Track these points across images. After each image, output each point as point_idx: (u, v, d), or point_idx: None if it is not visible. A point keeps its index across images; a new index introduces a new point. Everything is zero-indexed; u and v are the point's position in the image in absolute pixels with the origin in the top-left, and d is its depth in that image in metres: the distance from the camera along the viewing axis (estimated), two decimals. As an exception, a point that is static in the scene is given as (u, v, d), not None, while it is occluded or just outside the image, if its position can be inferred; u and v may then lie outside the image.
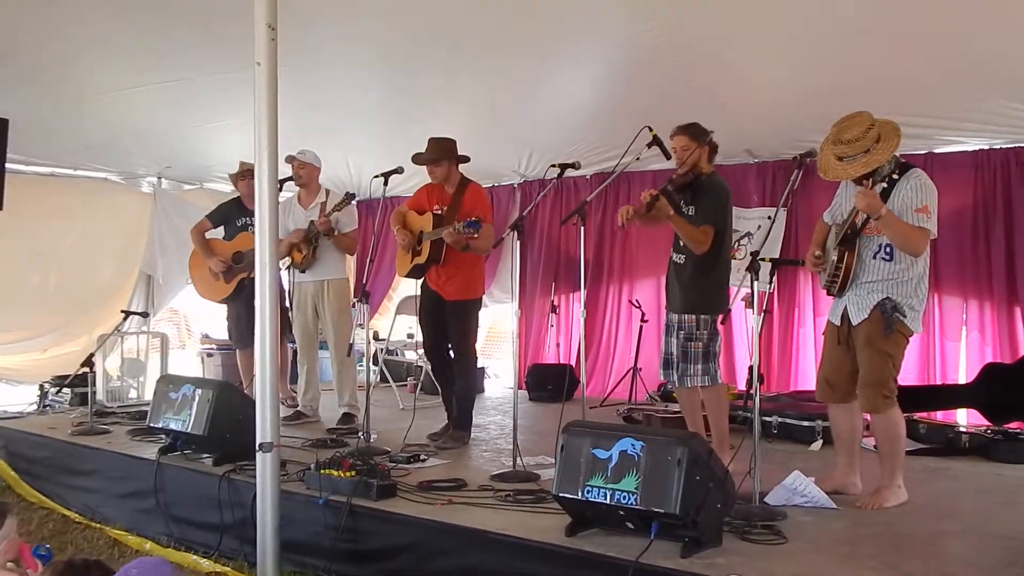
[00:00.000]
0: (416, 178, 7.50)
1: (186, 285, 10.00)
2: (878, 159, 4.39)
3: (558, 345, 9.41)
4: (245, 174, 7.39)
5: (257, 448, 4.32)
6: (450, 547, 4.13)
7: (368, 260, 6.53)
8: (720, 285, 5.36)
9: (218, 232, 7.76)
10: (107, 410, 7.76)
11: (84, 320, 9.04)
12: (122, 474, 5.88)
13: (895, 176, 4.43)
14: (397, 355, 9.65)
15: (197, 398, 5.55)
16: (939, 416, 6.89)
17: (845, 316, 4.60)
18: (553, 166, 5.43)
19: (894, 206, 4.39)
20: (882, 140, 4.41)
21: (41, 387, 8.30)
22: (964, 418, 6.97)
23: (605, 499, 3.69)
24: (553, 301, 9.22)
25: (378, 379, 9.05)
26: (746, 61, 6.45)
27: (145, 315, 8.72)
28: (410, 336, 8.94)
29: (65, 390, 8.03)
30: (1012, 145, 7.13)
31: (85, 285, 9.15)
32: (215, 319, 10.71)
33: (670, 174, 5.40)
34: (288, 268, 7.05)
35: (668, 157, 5.26)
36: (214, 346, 9.76)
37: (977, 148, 7.32)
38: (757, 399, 4.34)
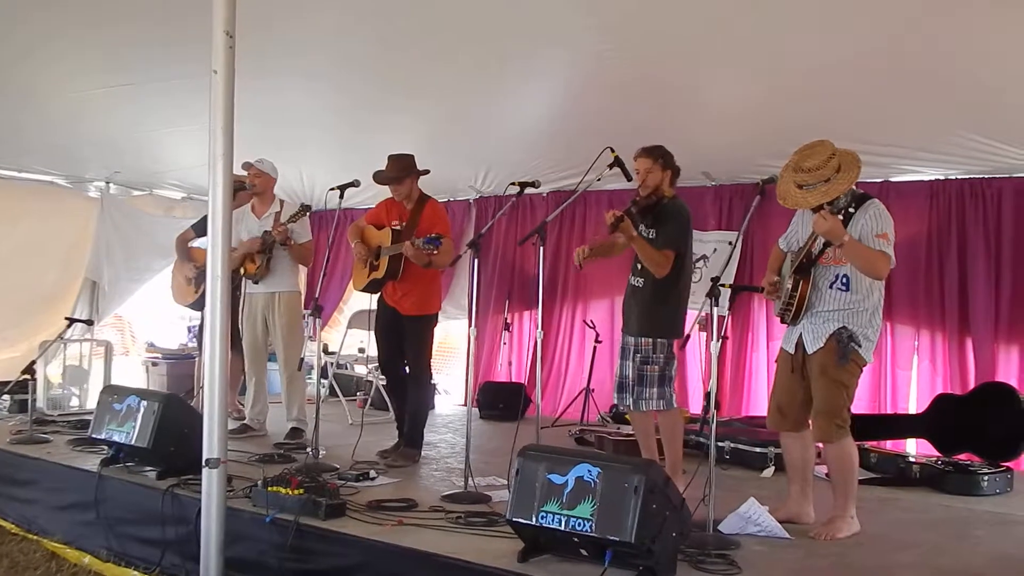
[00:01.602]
0: (372, 190, 7.41)
1: (133, 292, 9.89)
2: (838, 189, 4.39)
3: (510, 363, 9.36)
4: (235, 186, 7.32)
5: (203, 464, 4.21)
6: (401, 569, 4.05)
7: (322, 273, 6.44)
8: (678, 309, 5.33)
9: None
10: (48, 418, 7.56)
11: (26, 326, 8.79)
12: (62, 485, 5.72)
13: (851, 209, 4.42)
14: (347, 369, 9.52)
15: (142, 410, 5.41)
16: (888, 445, 6.92)
17: (800, 344, 4.59)
18: (513, 184, 5.41)
19: (854, 233, 4.38)
20: (842, 170, 4.40)
21: (-21, 394, 8.08)
22: (914, 447, 7.01)
23: (560, 525, 3.64)
24: (507, 319, 9.15)
25: (328, 393, 8.92)
26: (706, 84, 6.47)
27: (89, 323, 8.53)
28: (361, 351, 8.83)
29: (4, 397, 7.82)
30: (967, 176, 7.18)
31: (28, 290, 8.89)
32: (161, 327, 10.57)
33: (628, 195, 5.38)
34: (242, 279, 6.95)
35: (629, 178, 5.25)
36: (159, 355, 9.57)
37: (933, 178, 7.38)
38: (714, 426, 4.31)
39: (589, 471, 3.64)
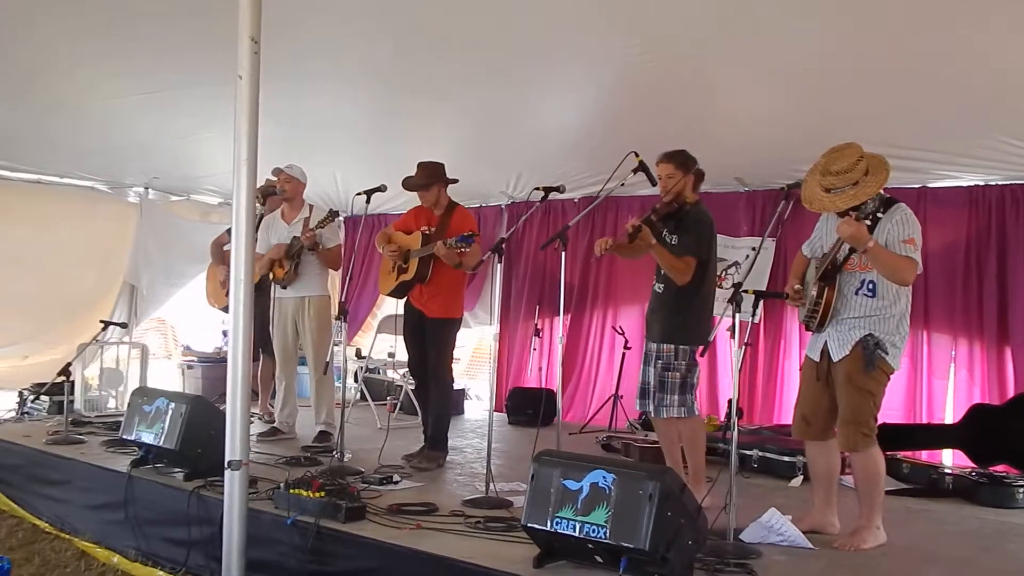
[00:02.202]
0: (402, 196, 7.48)
1: (171, 296, 10.01)
2: (867, 192, 4.32)
3: (540, 369, 9.33)
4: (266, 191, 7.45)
5: (226, 466, 4.25)
6: (415, 573, 4.05)
7: (347, 278, 6.48)
8: (701, 316, 5.27)
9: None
10: (84, 419, 7.66)
11: (66, 328, 8.95)
12: (93, 485, 5.80)
13: (879, 214, 4.35)
14: (378, 373, 9.55)
15: (170, 412, 5.48)
16: (924, 456, 6.81)
17: (825, 352, 4.53)
18: (537, 189, 5.40)
19: (880, 238, 4.32)
20: (871, 174, 4.34)
21: (20, 394, 8.22)
22: (950, 459, 6.89)
23: (574, 531, 3.62)
24: (537, 324, 9.14)
25: (358, 397, 8.96)
26: (738, 89, 6.40)
27: (124, 325, 8.63)
28: (391, 355, 8.86)
29: (44, 398, 7.94)
30: (1008, 182, 7.06)
31: (68, 293, 9.06)
32: (201, 331, 10.69)
33: (656, 201, 5.34)
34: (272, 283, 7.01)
35: (654, 183, 5.21)
36: (195, 358, 9.67)
37: (972, 184, 7.25)
38: (735, 433, 4.27)
39: (604, 477, 3.62)
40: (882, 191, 4.40)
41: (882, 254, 4.28)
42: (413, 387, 7.40)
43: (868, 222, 4.30)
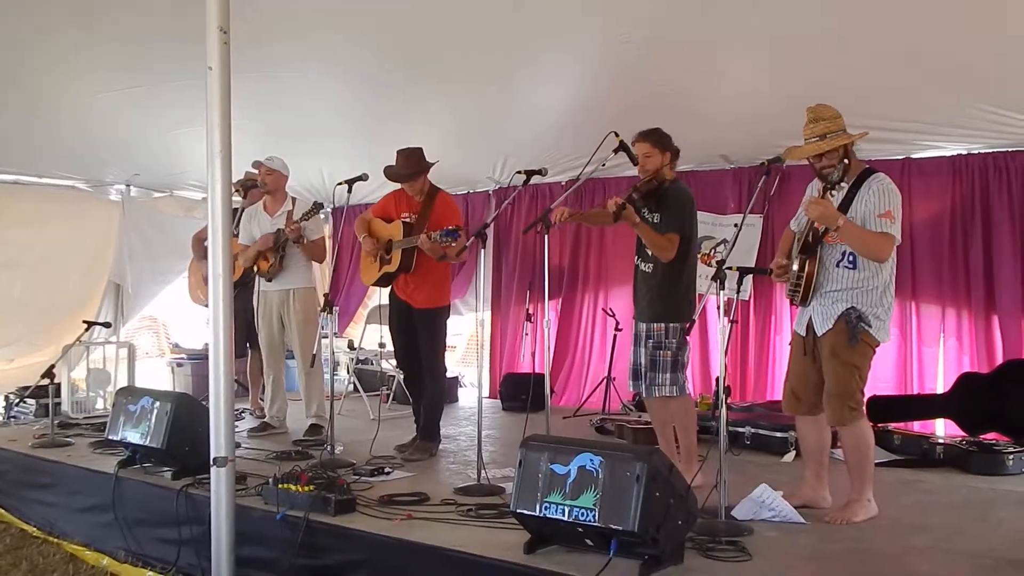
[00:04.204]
0: (388, 185, 7.41)
1: (157, 294, 9.95)
2: (831, 144, 4.35)
3: (533, 354, 9.29)
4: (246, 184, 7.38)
5: (211, 462, 4.21)
6: (406, 563, 4.03)
7: (332, 269, 6.42)
8: (688, 293, 5.26)
9: None
10: (72, 421, 7.62)
11: (51, 330, 8.85)
12: (81, 488, 5.75)
13: (844, 183, 4.33)
14: (371, 364, 9.52)
15: (155, 410, 5.42)
16: (915, 427, 6.82)
17: (810, 327, 4.51)
18: (519, 172, 5.35)
19: (856, 212, 4.31)
20: (837, 134, 4.39)
21: (6, 398, 8.17)
22: (942, 429, 6.88)
23: (563, 516, 3.60)
24: (528, 309, 9.10)
25: (351, 388, 8.92)
26: (723, 67, 6.38)
27: (108, 325, 8.53)
28: (382, 345, 8.82)
29: (31, 401, 7.88)
30: (991, 150, 7.05)
31: (52, 295, 8.97)
32: (191, 328, 10.63)
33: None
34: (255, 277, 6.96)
35: (635, 163, 5.18)
36: (184, 356, 9.62)
37: (955, 153, 7.24)
38: (724, 411, 4.24)
39: (591, 460, 3.59)
40: (851, 160, 4.38)
41: (854, 232, 4.26)
42: (403, 377, 7.37)
43: (834, 193, 4.28)
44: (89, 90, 7.08)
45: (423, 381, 6.34)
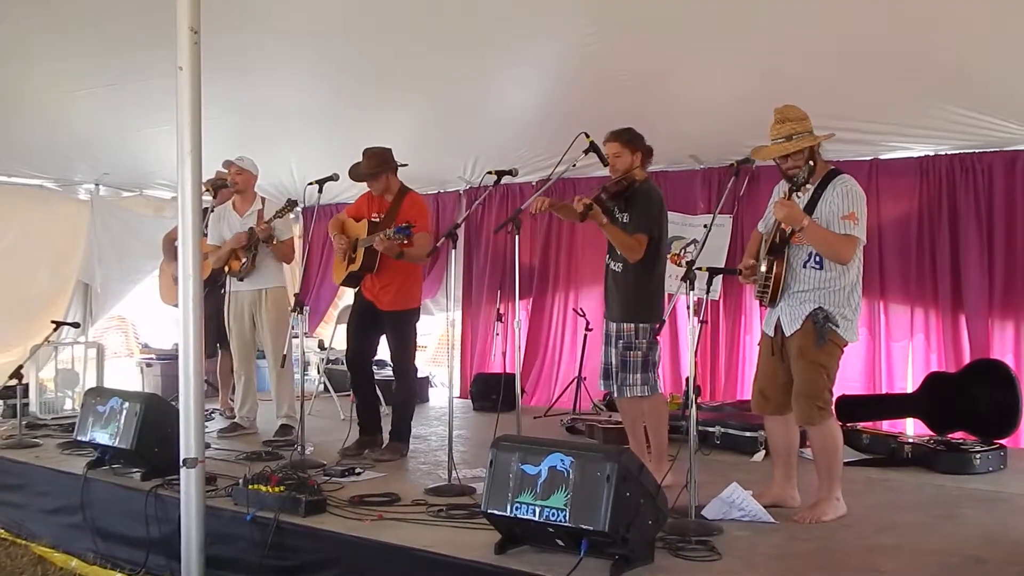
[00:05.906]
0: (359, 185, 7.39)
1: (126, 293, 9.87)
2: (797, 145, 4.37)
3: (503, 354, 9.29)
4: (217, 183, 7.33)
5: (181, 464, 4.20)
6: (376, 564, 4.03)
7: (303, 269, 6.40)
8: (658, 293, 5.29)
9: None
10: (40, 422, 7.56)
11: (19, 330, 8.75)
12: (49, 489, 5.72)
13: (810, 184, 4.36)
14: (341, 364, 9.47)
15: (124, 411, 5.39)
16: (884, 426, 6.88)
17: (779, 327, 4.54)
18: (490, 173, 5.35)
19: (821, 213, 4.35)
20: (803, 135, 4.40)
21: (-27, 399, 8.07)
22: (912, 428, 6.94)
23: (534, 516, 3.61)
24: (499, 309, 9.09)
25: (321, 389, 8.89)
26: (691, 67, 6.43)
27: (76, 325, 8.46)
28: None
29: (-2, 402, 7.81)
30: (957, 151, 7.11)
31: (21, 294, 8.86)
32: (160, 328, 10.56)
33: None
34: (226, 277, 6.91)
35: (605, 163, 5.19)
36: (153, 356, 9.56)
37: (923, 154, 7.30)
38: (693, 411, 4.26)
39: (562, 460, 3.61)
40: (817, 163, 4.41)
41: (818, 233, 4.30)
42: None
43: (800, 195, 4.32)
44: (57, 87, 7.02)
45: (370, 384, 6.37)
